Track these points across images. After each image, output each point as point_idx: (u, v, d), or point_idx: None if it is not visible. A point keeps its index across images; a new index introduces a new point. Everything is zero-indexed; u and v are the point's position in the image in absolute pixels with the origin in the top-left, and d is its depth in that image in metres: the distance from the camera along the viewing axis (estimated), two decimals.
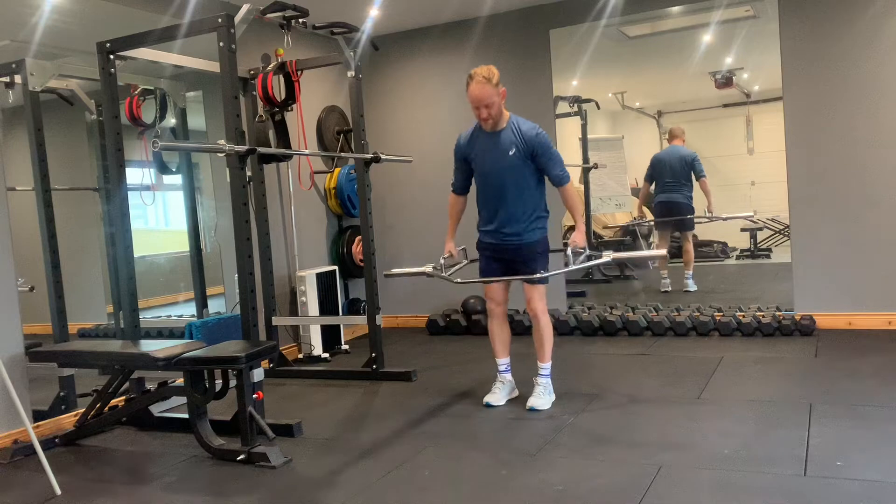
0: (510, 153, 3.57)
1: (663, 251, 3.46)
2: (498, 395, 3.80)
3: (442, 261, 3.74)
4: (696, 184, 5.94)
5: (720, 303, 5.49)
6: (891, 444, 2.88)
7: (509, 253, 3.67)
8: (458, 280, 3.73)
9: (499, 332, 3.83)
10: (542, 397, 3.67)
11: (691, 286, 5.97)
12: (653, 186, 6.15)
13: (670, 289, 6.09)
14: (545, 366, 3.73)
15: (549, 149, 3.59)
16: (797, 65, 5.04)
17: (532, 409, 3.62)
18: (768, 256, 6.21)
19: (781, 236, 5.88)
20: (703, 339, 5.04)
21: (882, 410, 3.30)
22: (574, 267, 3.53)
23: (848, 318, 5.00)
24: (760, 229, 6.18)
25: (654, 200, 6.17)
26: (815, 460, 2.77)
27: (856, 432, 3.04)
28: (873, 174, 4.88)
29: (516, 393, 3.89)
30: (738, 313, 5.18)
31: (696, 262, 6.05)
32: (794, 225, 5.15)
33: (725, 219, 5.88)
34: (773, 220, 6.04)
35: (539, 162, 3.58)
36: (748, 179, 6.06)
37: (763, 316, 5.07)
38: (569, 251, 3.51)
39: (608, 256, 3.52)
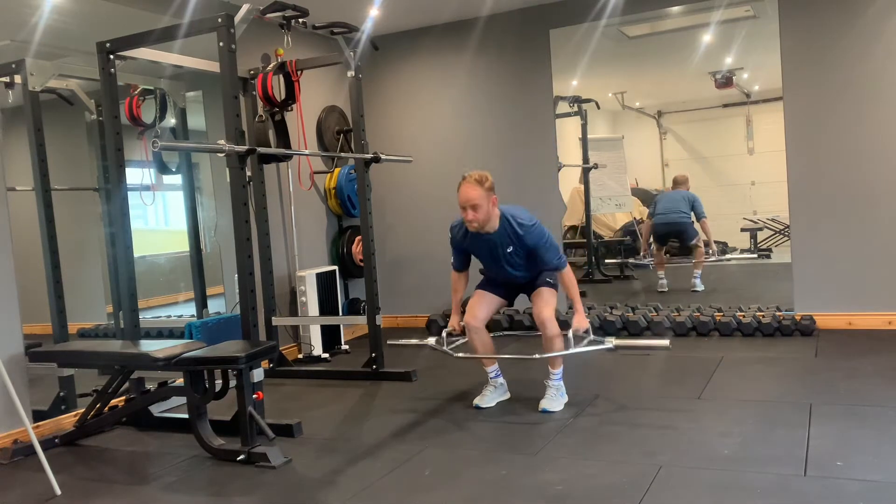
0: (508, 250, 3.64)
1: (666, 341, 3.53)
2: (487, 398, 3.79)
3: (444, 334, 3.81)
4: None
5: (720, 303, 5.49)
6: (891, 444, 2.88)
7: (515, 286, 3.82)
8: (460, 354, 3.78)
9: (481, 344, 3.78)
10: (555, 399, 3.66)
11: (699, 286, 5.97)
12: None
13: (667, 289, 6.09)
14: (556, 372, 3.71)
15: (544, 240, 3.63)
16: (797, 65, 5.04)
17: (544, 411, 3.61)
18: (768, 256, 6.21)
19: (781, 236, 5.88)
20: (703, 339, 5.04)
21: (882, 410, 3.30)
22: (575, 350, 3.57)
23: (848, 318, 5.00)
24: (760, 229, 6.18)
25: (653, 223, 6.20)
26: (815, 460, 2.77)
27: (856, 432, 3.04)
28: (873, 174, 4.88)
29: (508, 395, 3.89)
30: (738, 313, 5.18)
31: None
32: (794, 225, 5.16)
33: (729, 259, 5.94)
34: (773, 220, 6.04)
35: (537, 254, 3.64)
36: (748, 179, 6.05)
37: (763, 316, 5.07)
38: (570, 334, 3.55)
39: (610, 343, 3.57)
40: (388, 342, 4.21)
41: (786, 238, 5.44)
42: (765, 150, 5.88)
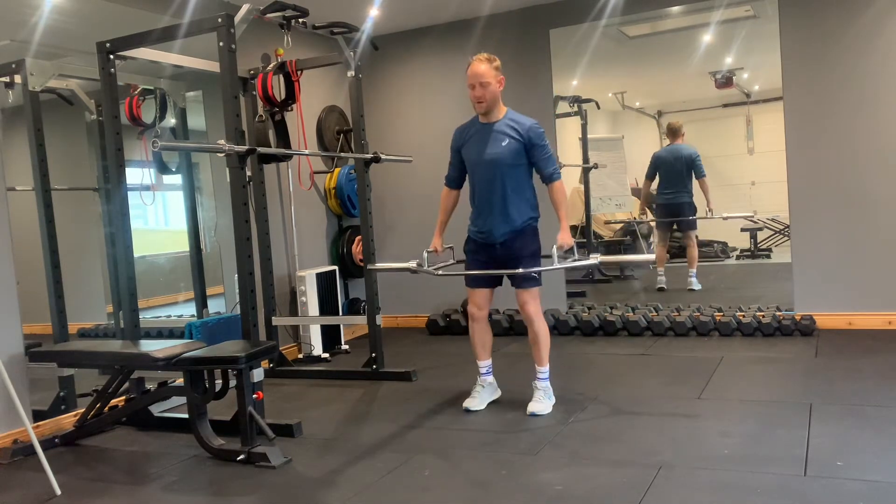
0: (503, 143, 3.55)
1: (652, 256, 3.44)
2: (477, 400, 3.77)
3: (425, 254, 3.73)
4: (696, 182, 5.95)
5: (720, 303, 5.49)
6: (891, 444, 2.88)
7: (498, 253, 3.63)
8: (440, 272, 3.69)
9: (479, 336, 3.80)
10: (542, 402, 3.64)
11: (695, 285, 5.97)
12: (654, 184, 6.15)
13: (665, 286, 6.09)
14: (543, 370, 3.69)
15: (545, 143, 3.59)
16: (797, 65, 5.04)
17: (532, 415, 3.59)
18: (768, 256, 6.21)
19: (781, 236, 5.88)
20: (703, 339, 5.04)
21: (882, 410, 3.30)
22: (558, 266, 3.49)
23: (848, 318, 5.00)
24: (760, 229, 6.18)
25: (655, 201, 6.18)
26: (815, 460, 2.77)
27: (856, 432, 3.04)
28: (873, 174, 4.89)
29: (498, 394, 3.88)
30: (738, 313, 5.19)
31: (698, 260, 6.05)
32: (794, 225, 5.16)
33: (726, 218, 5.88)
34: (773, 220, 6.04)
35: (533, 155, 3.57)
36: (748, 179, 6.05)
37: (763, 316, 5.07)
38: (554, 251, 3.46)
39: (595, 259, 3.46)
40: (369, 267, 4.29)
41: (786, 238, 5.44)
42: (765, 150, 5.88)
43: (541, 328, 3.65)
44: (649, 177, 6.17)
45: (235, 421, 3.28)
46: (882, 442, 2.91)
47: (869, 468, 2.66)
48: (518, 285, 3.63)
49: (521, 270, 3.54)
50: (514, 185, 3.58)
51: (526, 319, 3.68)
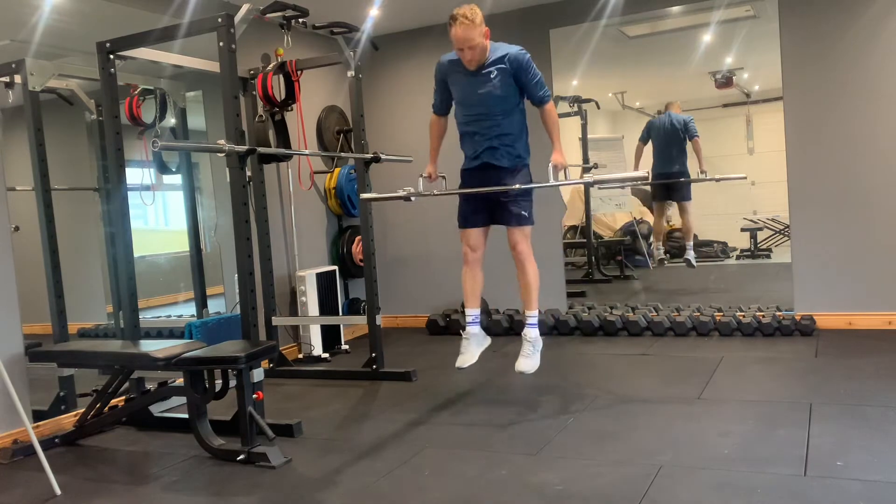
0: (492, 76, 3.53)
1: (644, 172, 3.55)
2: (467, 355, 3.67)
3: (420, 180, 3.75)
4: (690, 151, 5.96)
5: (720, 303, 5.49)
6: (891, 444, 2.88)
7: (491, 185, 3.60)
8: (437, 192, 3.69)
9: (471, 280, 3.72)
10: (531, 357, 3.60)
11: (692, 258, 5.95)
12: (647, 147, 6.15)
13: (665, 258, 6.08)
14: (532, 314, 3.65)
15: (532, 68, 3.56)
16: (797, 65, 5.04)
17: (521, 373, 3.57)
18: (768, 256, 6.21)
19: (781, 236, 5.88)
20: (703, 339, 5.04)
21: (882, 410, 3.30)
22: (554, 184, 3.55)
23: (848, 318, 5.00)
24: (760, 229, 6.18)
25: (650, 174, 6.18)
26: (815, 460, 2.77)
27: (856, 432, 3.04)
28: (873, 174, 4.89)
29: (488, 341, 3.82)
30: (738, 313, 5.19)
31: (696, 262, 6.05)
32: (794, 225, 5.16)
33: (718, 180, 5.85)
34: (773, 220, 6.04)
35: (521, 81, 3.55)
36: (748, 179, 6.05)
37: (763, 316, 5.07)
38: (550, 170, 3.51)
39: (590, 177, 3.54)
40: (362, 196, 4.30)
41: (786, 238, 5.44)
42: (765, 150, 5.88)
43: (531, 269, 3.62)
44: (643, 140, 6.16)
45: (235, 421, 3.29)
46: (882, 442, 2.91)
47: (869, 468, 2.66)
48: (509, 223, 3.61)
49: (516, 187, 3.54)
50: (504, 116, 3.58)
51: (516, 259, 3.63)
